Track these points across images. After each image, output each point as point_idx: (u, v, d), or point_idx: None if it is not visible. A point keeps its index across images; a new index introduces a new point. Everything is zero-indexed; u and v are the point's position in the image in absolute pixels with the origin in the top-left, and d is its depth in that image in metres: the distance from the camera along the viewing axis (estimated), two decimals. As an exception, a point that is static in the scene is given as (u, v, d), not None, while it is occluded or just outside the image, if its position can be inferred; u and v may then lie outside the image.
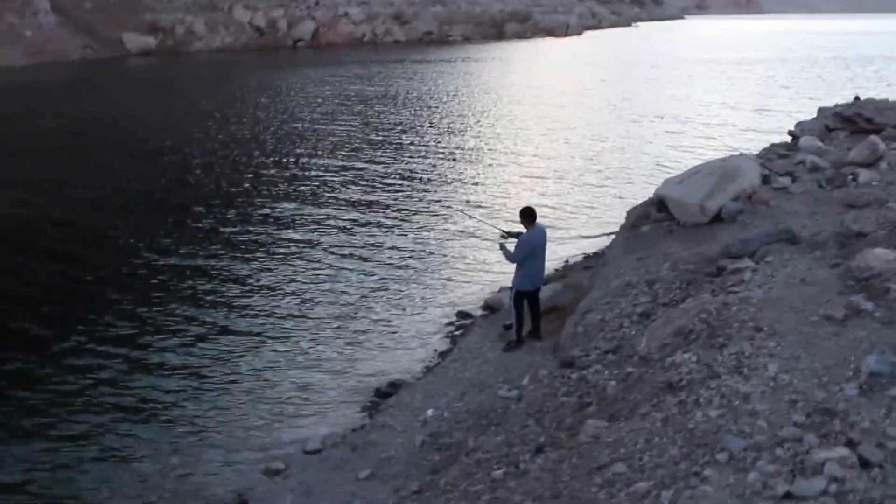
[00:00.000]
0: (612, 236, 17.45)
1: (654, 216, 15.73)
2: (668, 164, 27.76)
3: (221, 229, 21.82)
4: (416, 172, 28.01)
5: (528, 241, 12.94)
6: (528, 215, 13.01)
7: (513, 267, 13.50)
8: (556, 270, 18.55)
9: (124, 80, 63.24)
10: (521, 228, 13.40)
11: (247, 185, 26.89)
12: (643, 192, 20.73)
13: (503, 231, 13.85)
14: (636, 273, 12.54)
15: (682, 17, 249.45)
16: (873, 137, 17.10)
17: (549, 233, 21.51)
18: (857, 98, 23.83)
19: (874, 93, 28.72)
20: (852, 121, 21.68)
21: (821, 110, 24.19)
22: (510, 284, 13.76)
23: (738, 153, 18.33)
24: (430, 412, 11.93)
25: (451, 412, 11.66)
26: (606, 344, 9.43)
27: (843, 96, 31.97)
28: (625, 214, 17.17)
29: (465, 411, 11.44)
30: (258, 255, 19.76)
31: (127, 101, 47.94)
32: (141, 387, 13.41)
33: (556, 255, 19.66)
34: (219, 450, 11.64)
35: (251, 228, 21.84)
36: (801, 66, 73.30)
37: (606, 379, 8.27)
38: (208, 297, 17.19)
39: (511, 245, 13.46)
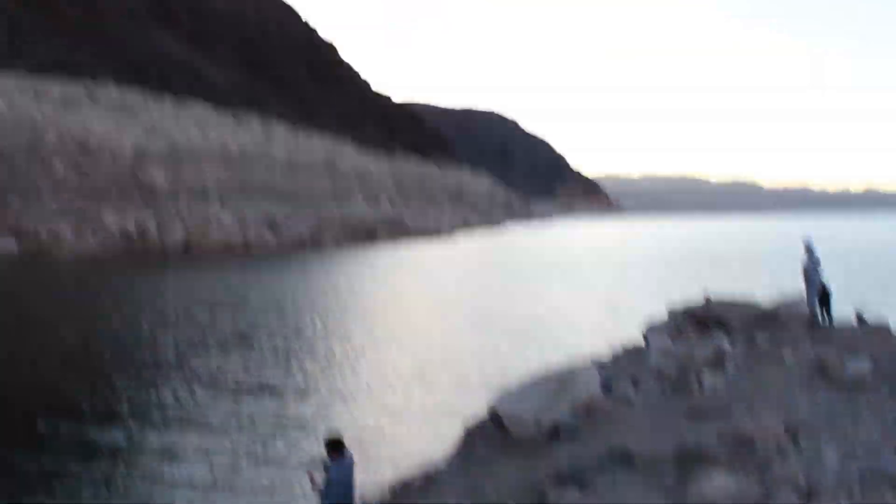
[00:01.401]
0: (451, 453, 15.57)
1: (490, 430, 14.04)
2: (517, 369, 26.35)
3: None
4: (246, 384, 25.64)
5: (338, 478, 10.92)
6: (334, 446, 11.04)
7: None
8: (391, 489, 16.43)
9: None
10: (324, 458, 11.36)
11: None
12: (485, 405, 19.07)
13: (311, 476, 11.82)
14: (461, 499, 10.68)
15: (548, 219, 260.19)
16: (718, 337, 16.22)
17: (386, 448, 19.64)
18: (707, 296, 23.37)
19: (724, 289, 28.57)
20: (701, 319, 21.01)
21: (672, 308, 23.60)
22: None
23: (581, 359, 17.09)
24: None
25: None
26: None
27: (694, 293, 31.93)
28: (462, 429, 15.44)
29: None
30: None
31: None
32: None
33: (393, 470, 17.59)
34: None
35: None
36: (656, 265, 75.47)
37: None
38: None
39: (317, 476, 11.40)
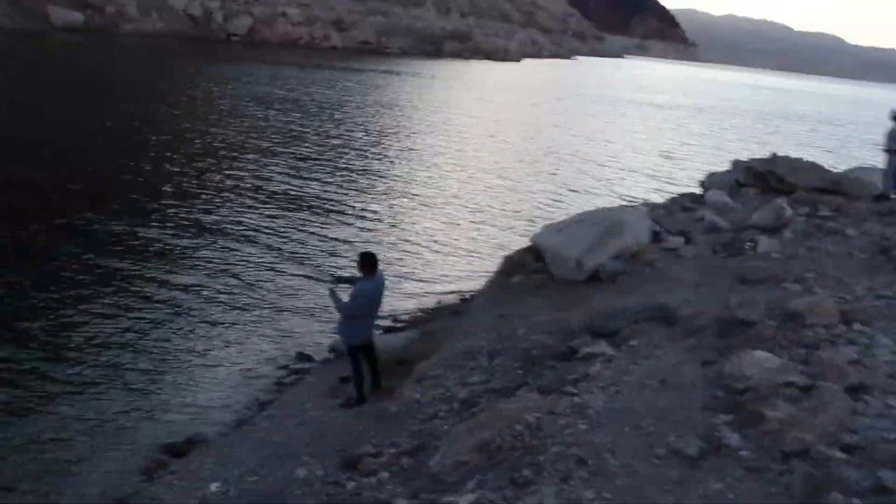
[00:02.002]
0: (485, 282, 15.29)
1: (530, 266, 13.67)
2: (567, 208, 25.74)
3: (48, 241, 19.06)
4: (289, 194, 25.19)
5: (364, 294, 10.59)
6: (367, 262, 10.65)
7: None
8: (423, 312, 16.30)
9: (43, 55, 59.24)
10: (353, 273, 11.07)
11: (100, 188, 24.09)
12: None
13: (333, 277, 11.57)
14: (486, 336, 10.38)
15: (621, 57, 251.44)
16: (780, 200, 15.37)
17: (427, 266, 19.51)
18: (774, 155, 22.30)
19: (792, 151, 27.31)
20: (764, 178, 20.05)
21: (735, 163, 22.63)
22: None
23: (632, 203, 16.44)
24: (213, 487, 9.50)
25: (239, 490, 9.27)
26: (409, 440, 7.18)
27: (762, 151, 30.72)
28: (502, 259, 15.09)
29: (254, 492, 9.09)
30: (74, 274, 16.96)
31: (40, 79, 44.47)
32: None
33: (427, 294, 17.47)
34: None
35: (77, 243, 18.99)
36: (725, 116, 72.96)
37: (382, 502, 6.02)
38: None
39: (342, 293, 11.15)
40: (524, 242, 16.27)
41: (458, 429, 6.56)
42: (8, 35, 67.89)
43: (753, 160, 21.99)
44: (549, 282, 12.51)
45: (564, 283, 12.16)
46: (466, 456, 5.99)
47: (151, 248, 18.56)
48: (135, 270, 17.09)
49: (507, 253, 14.93)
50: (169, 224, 20.46)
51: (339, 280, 11.41)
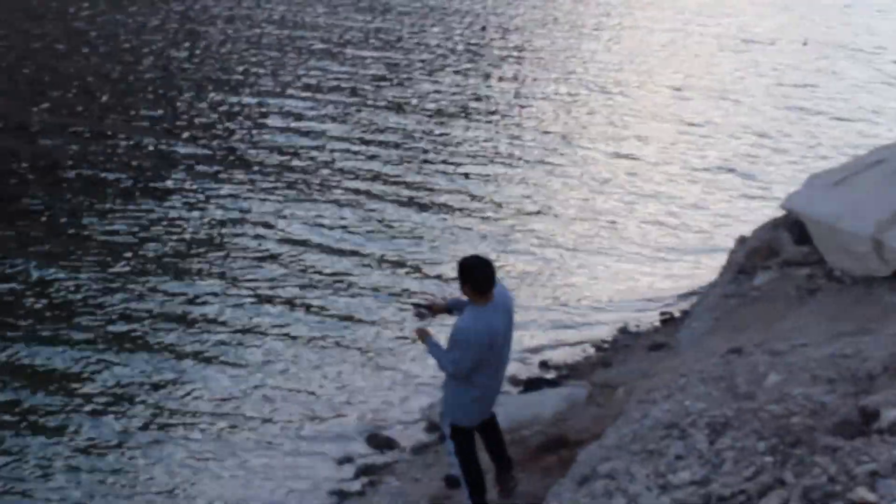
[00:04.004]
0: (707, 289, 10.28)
1: (785, 252, 8.77)
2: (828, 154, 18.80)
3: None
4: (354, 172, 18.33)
5: (475, 332, 5.92)
6: (476, 276, 6.05)
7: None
8: (593, 348, 11.23)
9: None
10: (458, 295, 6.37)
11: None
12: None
13: (417, 305, 7.03)
14: (704, 392, 5.73)
15: None
16: None
17: (596, 273, 13.15)
18: None
19: None
20: None
21: None
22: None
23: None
24: None
25: None
26: None
27: None
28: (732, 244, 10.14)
29: None
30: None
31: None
32: None
33: (598, 317, 12.04)
34: None
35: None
36: None
37: None
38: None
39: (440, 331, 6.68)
40: (764, 216, 11.09)
41: None
42: None
43: None
44: (824, 280, 7.95)
45: (852, 282, 7.54)
46: None
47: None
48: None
49: (743, 234, 10.00)
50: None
51: (434, 309, 6.89)
